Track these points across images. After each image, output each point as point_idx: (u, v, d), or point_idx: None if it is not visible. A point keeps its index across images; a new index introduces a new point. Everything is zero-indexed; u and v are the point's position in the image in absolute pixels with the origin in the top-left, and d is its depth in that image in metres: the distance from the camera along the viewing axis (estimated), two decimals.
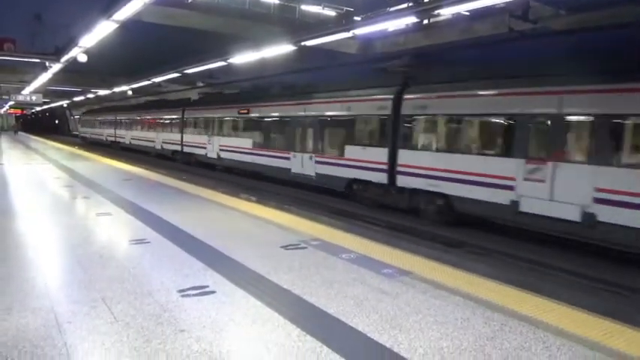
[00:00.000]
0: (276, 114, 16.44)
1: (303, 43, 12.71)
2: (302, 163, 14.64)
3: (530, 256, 8.56)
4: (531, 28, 12.31)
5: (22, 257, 5.14)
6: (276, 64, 17.58)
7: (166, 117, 26.17)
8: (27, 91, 29.96)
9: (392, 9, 15.29)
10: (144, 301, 3.87)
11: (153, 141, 27.86)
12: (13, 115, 69.45)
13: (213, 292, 4.13)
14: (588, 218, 7.97)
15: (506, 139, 9.59)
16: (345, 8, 20.38)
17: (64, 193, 10.33)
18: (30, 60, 19.36)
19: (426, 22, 15.91)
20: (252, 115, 17.84)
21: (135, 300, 3.89)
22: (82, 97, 41.73)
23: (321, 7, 20.27)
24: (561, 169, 8.41)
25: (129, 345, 3.12)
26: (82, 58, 15.24)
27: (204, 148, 21.33)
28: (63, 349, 3.04)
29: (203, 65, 17.89)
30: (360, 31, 11.67)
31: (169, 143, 25.47)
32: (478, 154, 9.95)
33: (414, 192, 11.23)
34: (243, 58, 14.92)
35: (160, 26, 17.85)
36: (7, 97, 30.45)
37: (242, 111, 18.48)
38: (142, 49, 24.45)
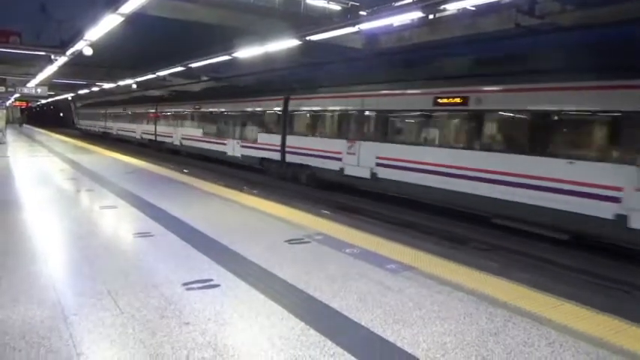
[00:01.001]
0: (216, 109, 21.46)
1: (307, 38, 12.65)
2: (233, 148, 19.32)
3: (535, 253, 8.55)
4: (539, 24, 12.21)
5: (27, 249, 5.18)
6: (281, 58, 17.55)
7: (144, 111, 31.25)
8: (32, 83, 30.01)
9: (397, 4, 15.22)
10: (149, 294, 3.89)
11: (134, 131, 32.79)
12: (19, 107, 69.61)
13: (217, 285, 4.15)
14: (373, 176, 12.26)
15: (338, 126, 14.07)
16: (350, 2, 20.27)
17: (68, 185, 10.38)
18: (35, 53, 19.35)
19: (431, 16, 15.78)
20: (202, 110, 22.80)
21: (140, 293, 3.92)
22: (86, 90, 41.79)
23: (326, 2, 20.16)
24: (362, 145, 12.75)
25: (134, 337, 3.15)
26: (88, 52, 15.22)
27: (171, 137, 26.16)
28: (69, 341, 3.07)
29: (207, 59, 17.88)
30: (365, 26, 11.61)
31: (147, 133, 30.32)
32: (324, 137, 14.50)
33: (295, 165, 15.62)
34: (247, 52, 14.90)
35: (165, 20, 17.80)
36: (12, 90, 30.54)
37: (196, 107, 23.39)
38: (147, 42, 24.47)
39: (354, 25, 11.65)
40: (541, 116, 8.90)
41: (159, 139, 27.92)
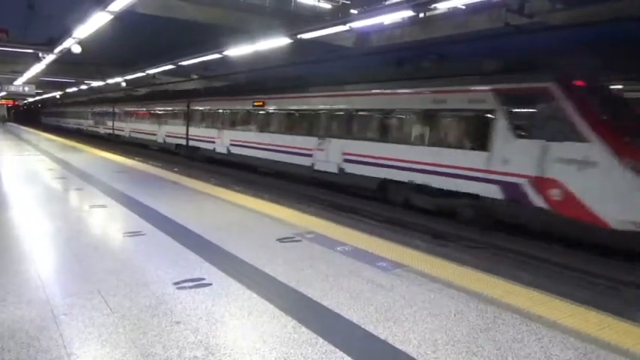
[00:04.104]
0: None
1: (298, 36, 12.62)
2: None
3: (524, 250, 8.64)
4: (529, 23, 12.29)
5: (16, 249, 5.12)
6: (273, 56, 17.53)
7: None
8: (19, 81, 29.65)
9: (388, 2, 15.24)
10: (140, 293, 3.87)
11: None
12: (5, 105, 68.88)
13: (209, 284, 4.14)
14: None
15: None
16: (341, 0, 20.28)
17: (57, 184, 10.28)
18: (23, 50, 19.12)
19: (422, 15, 15.81)
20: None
21: (131, 292, 3.90)
22: (75, 89, 41.45)
23: (316, 0, 20.15)
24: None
25: (125, 336, 3.14)
26: (76, 49, 15.06)
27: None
28: (59, 341, 3.05)
29: (197, 57, 17.79)
30: (356, 25, 11.61)
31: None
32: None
33: (197, 148, 22.92)
34: (238, 50, 14.85)
35: (155, 18, 17.68)
36: None
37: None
38: (136, 40, 24.31)
39: (344, 23, 11.64)
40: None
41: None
